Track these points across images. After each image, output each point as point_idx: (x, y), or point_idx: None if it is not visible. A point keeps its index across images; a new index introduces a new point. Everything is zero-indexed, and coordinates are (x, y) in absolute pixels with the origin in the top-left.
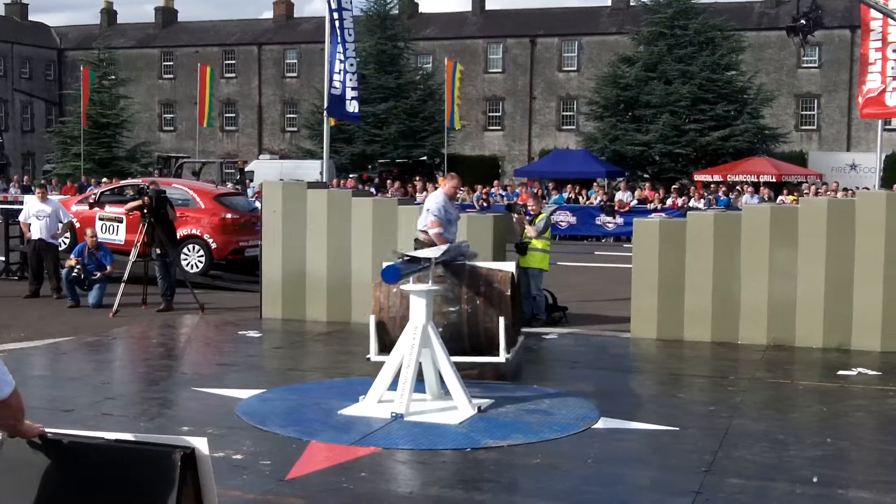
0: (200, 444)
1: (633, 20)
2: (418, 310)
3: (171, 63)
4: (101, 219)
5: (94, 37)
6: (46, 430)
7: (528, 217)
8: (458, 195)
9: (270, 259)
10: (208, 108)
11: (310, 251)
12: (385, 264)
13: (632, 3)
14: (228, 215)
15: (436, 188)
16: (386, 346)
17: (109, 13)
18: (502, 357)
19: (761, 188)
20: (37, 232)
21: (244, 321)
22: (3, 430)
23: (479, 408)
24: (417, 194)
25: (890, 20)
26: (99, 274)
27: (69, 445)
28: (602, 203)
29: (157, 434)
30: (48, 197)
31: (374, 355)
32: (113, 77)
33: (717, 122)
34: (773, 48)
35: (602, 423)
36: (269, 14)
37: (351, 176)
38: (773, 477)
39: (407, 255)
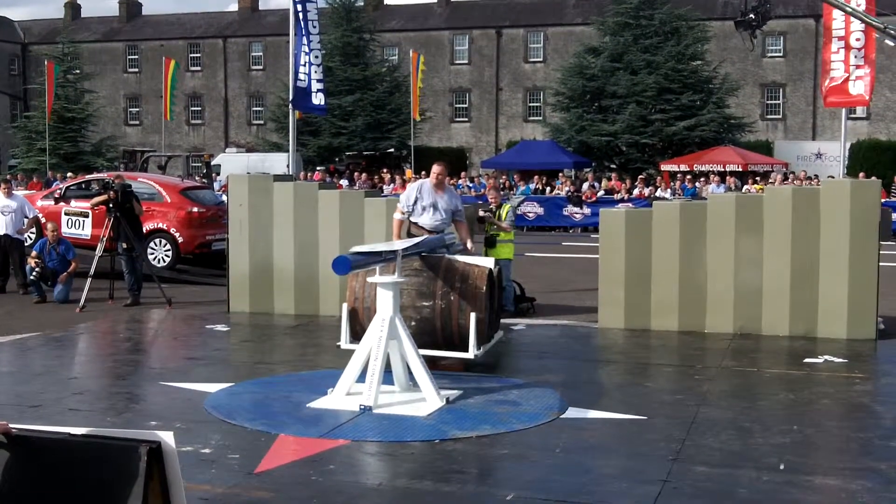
0: (167, 437)
1: (598, 10)
2: (385, 301)
3: (136, 57)
4: (66, 213)
5: (58, 31)
6: (12, 426)
7: (485, 202)
8: (441, 181)
9: (237, 253)
10: (170, 102)
11: (277, 244)
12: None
13: None
14: (195, 209)
15: (403, 180)
16: (357, 335)
17: (73, 7)
18: (471, 353)
19: (727, 177)
20: (2, 228)
21: (211, 315)
22: None
23: (447, 399)
24: (385, 186)
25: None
26: (64, 274)
27: (35, 441)
28: (569, 194)
29: (124, 429)
30: (13, 192)
31: (345, 343)
32: (77, 71)
33: (683, 112)
34: (738, 38)
35: (570, 413)
36: (233, 7)
37: (318, 169)
38: (739, 464)
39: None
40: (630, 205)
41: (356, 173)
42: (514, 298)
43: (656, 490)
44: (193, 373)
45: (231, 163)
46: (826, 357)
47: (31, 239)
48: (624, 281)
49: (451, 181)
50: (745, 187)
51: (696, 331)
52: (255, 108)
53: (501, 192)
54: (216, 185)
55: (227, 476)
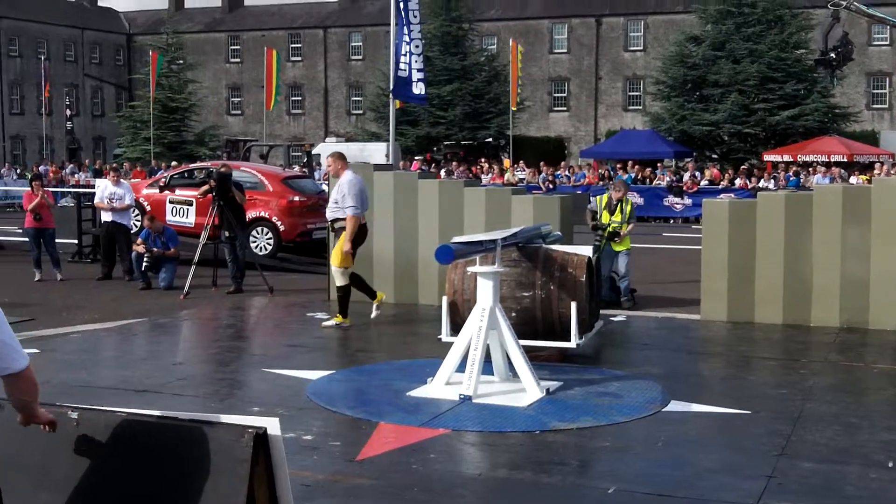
0: (272, 424)
1: None
2: (485, 291)
3: (238, 47)
4: (171, 202)
5: (162, 21)
6: (117, 409)
7: (604, 198)
8: (334, 173)
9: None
10: (275, 92)
11: (377, 233)
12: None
13: None
14: (296, 198)
15: (501, 170)
16: (458, 328)
17: None
18: (573, 342)
19: (832, 168)
20: (108, 215)
21: (312, 303)
22: (17, 408)
23: (547, 390)
24: (483, 176)
25: None
26: (163, 252)
27: (142, 425)
28: (670, 184)
29: (228, 414)
30: (121, 180)
31: (445, 336)
32: (181, 61)
33: (787, 102)
34: (843, 27)
35: (672, 406)
36: None
37: (416, 158)
38: (846, 461)
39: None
40: (732, 195)
41: (454, 163)
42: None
43: (761, 486)
44: (295, 359)
45: (330, 152)
46: None
47: (136, 226)
48: (727, 272)
49: (550, 170)
50: (853, 179)
51: (800, 324)
52: (354, 98)
53: (626, 186)
54: (317, 175)
55: (329, 463)
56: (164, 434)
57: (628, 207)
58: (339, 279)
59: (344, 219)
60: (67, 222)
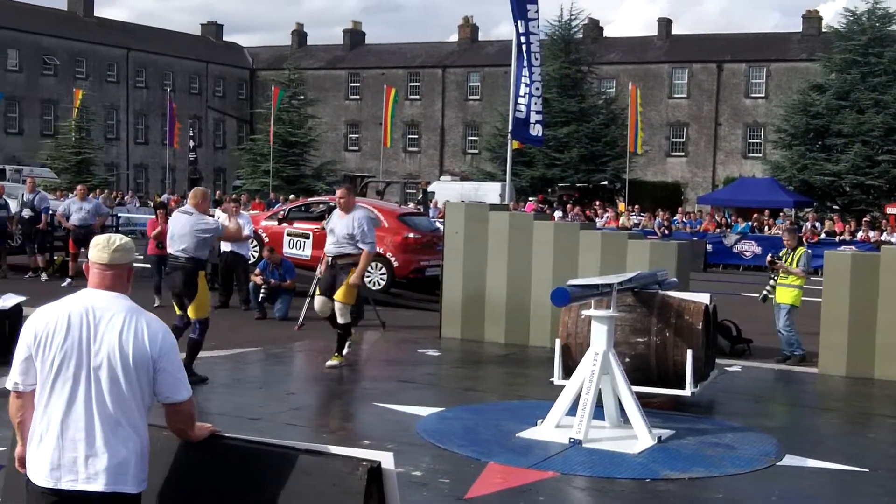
0: (386, 458)
1: (823, 47)
2: (599, 335)
3: (358, 84)
4: (288, 234)
5: (284, 57)
6: (234, 435)
7: (775, 253)
8: (344, 205)
9: (451, 279)
10: (390, 129)
11: (490, 273)
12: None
13: (823, 30)
14: (411, 235)
15: (616, 213)
16: (570, 371)
17: (300, 35)
18: (688, 391)
19: None
20: (227, 245)
21: (423, 339)
22: (174, 433)
23: (659, 438)
24: (597, 219)
25: None
26: (280, 283)
27: (258, 452)
28: None
29: (340, 446)
30: (240, 211)
31: (557, 379)
32: (302, 97)
33: None
34: None
35: (787, 461)
36: (453, 37)
37: (531, 199)
38: None
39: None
40: (853, 248)
41: (569, 205)
42: (730, 339)
43: None
44: (405, 395)
45: (445, 190)
46: None
47: (253, 257)
48: (847, 326)
49: (666, 216)
50: None
51: None
52: (470, 138)
53: (798, 235)
54: (431, 212)
55: (438, 500)
56: (280, 462)
57: (797, 255)
58: (343, 317)
59: (352, 254)
60: None
